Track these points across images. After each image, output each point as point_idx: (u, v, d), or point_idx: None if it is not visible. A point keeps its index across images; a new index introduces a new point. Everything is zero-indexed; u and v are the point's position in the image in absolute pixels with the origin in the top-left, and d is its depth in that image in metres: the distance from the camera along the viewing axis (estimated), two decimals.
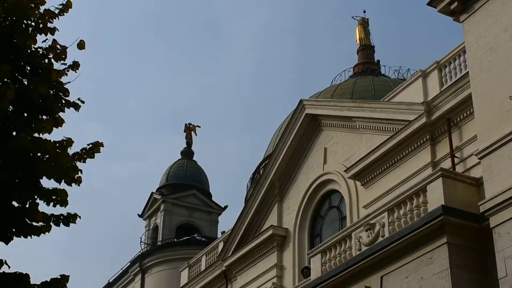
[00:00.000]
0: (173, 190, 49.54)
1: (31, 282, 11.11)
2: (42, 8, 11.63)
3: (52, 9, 11.65)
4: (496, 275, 17.73)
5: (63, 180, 11.22)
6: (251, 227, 33.35)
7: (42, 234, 11.20)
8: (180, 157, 52.16)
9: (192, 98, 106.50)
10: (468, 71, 21.53)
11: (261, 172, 36.10)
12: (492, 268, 18.06)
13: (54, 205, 11.20)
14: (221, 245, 35.12)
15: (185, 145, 52.57)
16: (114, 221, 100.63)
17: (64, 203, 11.20)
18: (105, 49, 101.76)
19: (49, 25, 11.63)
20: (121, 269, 48.13)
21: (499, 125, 18.86)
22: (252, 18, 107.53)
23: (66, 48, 11.59)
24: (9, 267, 11.00)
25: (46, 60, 11.49)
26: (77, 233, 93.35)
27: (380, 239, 20.79)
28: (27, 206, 10.99)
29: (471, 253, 18.91)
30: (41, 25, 11.56)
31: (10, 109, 11.09)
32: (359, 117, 27.93)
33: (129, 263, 47.09)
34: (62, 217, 11.24)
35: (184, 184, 49.85)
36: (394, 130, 25.61)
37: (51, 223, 11.17)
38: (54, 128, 11.33)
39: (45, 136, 11.27)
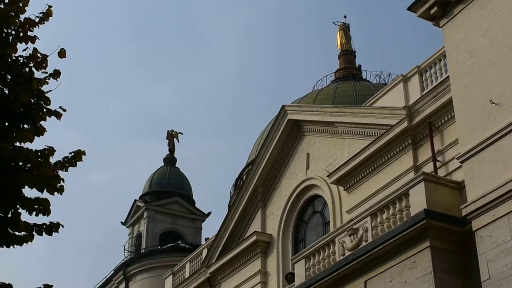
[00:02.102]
0: (156, 198, 49.48)
1: None
2: (22, 17, 11.58)
3: (33, 17, 11.61)
4: (479, 278, 17.81)
5: (45, 189, 11.17)
6: (234, 233, 33.34)
7: (24, 244, 11.15)
8: (162, 164, 52.14)
9: (173, 104, 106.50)
10: (448, 75, 21.65)
11: (244, 178, 36.13)
12: (475, 271, 18.15)
13: (37, 214, 11.14)
14: (205, 252, 35.09)
15: (167, 152, 52.56)
16: (97, 229, 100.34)
17: (46, 212, 11.15)
18: (84, 55, 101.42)
19: (29, 33, 11.58)
20: (105, 277, 48.00)
21: (480, 128, 18.98)
22: (231, 22, 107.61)
23: (47, 56, 11.54)
24: None
25: (27, 69, 11.43)
26: (60, 242, 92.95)
27: (364, 243, 20.83)
28: (9, 215, 10.94)
29: (454, 257, 19.00)
30: (21, 34, 11.51)
31: None
32: (341, 122, 28.01)
33: (112, 271, 46.94)
34: (44, 226, 11.19)
35: (167, 191, 49.81)
36: (376, 134, 25.71)
37: (33, 233, 11.11)
38: (35, 137, 11.28)
39: (27, 145, 11.23)
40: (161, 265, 43.02)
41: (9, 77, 11.30)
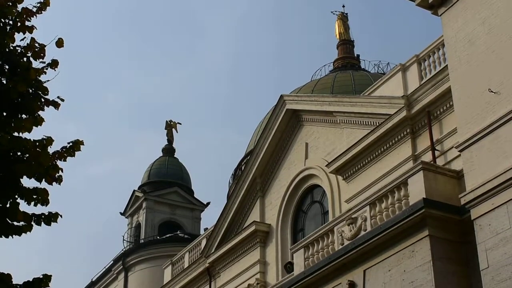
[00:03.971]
0: (155, 188, 49.48)
1: (13, 282, 11.06)
2: (19, 7, 11.56)
3: (30, 7, 11.59)
4: (478, 267, 17.82)
5: (43, 179, 11.16)
6: (233, 223, 33.36)
7: (23, 234, 11.15)
8: (161, 154, 52.15)
9: (172, 94, 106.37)
10: (447, 64, 21.62)
11: (243, 168, 36.12)
12: (474, 260, 18.17)
13: (35, 205, 11.14)
14: (204, 242, 35.12)
15: (166, 142, 52.56)
16: (96, 219, 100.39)
17: (45, 202, 11.15)
18: (80, 45, 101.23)
19: (27, 23, 11.56)
20: (104, 267, 48.11)
21: (478, 117, 18.96)
22: (229, 12, 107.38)
23: (45, 46, 11.53)
24: None
25: (25, 59, 11.43)
26: (59, 232, 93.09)
27: (362, 233, 20.84)
28: (8, 205, 10.93)
29: (452, 245, 19.01)
30: (19, 24, 11.49)
31: None
32: (339, 111, 27.99)
33: (112, 262, 47.01)
34: (43, 216, 11.19)
35: (166, 182, 49.80)
36: (375, 124, 25.69)
37: (32, 223, 11.12)
38: (33, 127, 11.27)
39: (25, 135, 11.23)
40: (160, 255, 43.09)
41: (6, 67, 11.29)
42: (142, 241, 47.36)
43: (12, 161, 10.91)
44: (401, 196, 20.18)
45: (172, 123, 52.62)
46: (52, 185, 11.29)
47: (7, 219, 10.93)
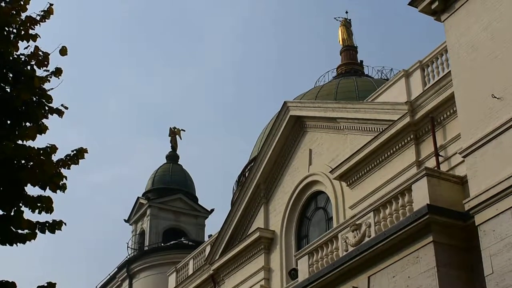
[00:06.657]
0: (159, 195, 49.50)
1: None
2: (23, 15, 11.61)
3: (34, 15, 11.63)
4: (482, 273, 17.80)
5: (47, 187, 11.18)
6: (238, 230, 33.36)
7: (27, 242, 11.16)
8: (165, 161, 52.19)
9: (176, 101, 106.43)
10: (450, 70, 21.64)
11: (246, 174, 36.14)
12: (478, 266, 18.14)
13: (40, 212, 11.16)
14: (208, 249, 35.12)
15: (170, 149, 52.61)
16: (100, 227, 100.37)
17: (49, 210, 11.16)
18: (84, 52, 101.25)
19: (30, 31, 11.60)
20: (109, 274, 48.10)
21: (482, 123, 18.96)
22: (232, 17, 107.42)
23: (48, 54, 11.56)
24: None
25: (29, 67, 11.46)
26: (63, 240, 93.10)
27: (367, 239, 20.83)
28: (12, 213, 10.95)
29: (457, 251, 18.99)
30: (22, 32, 11.53)
31: None
32: (343, 118, 28.01)
33: (116, 269, 47.01)
34: (47, 224, 11.20)
35: (170, 188, 49.82)
36: (378, 130, 25.70)
37: (36, 231, 11.13)
38: (37, 135, 11.29)
39: (29, 143, 11.24)
40: (165, 262, 43.06)
41: (10, 75, 11.31)
42: (147, 248, 47.36)
43: (16, 169, 10.93)
44: (405, 202, 20.17)
45: (175, 129, 52.68)
46: (56, 193, 11.31)
47: (11, 227, 10.94)
